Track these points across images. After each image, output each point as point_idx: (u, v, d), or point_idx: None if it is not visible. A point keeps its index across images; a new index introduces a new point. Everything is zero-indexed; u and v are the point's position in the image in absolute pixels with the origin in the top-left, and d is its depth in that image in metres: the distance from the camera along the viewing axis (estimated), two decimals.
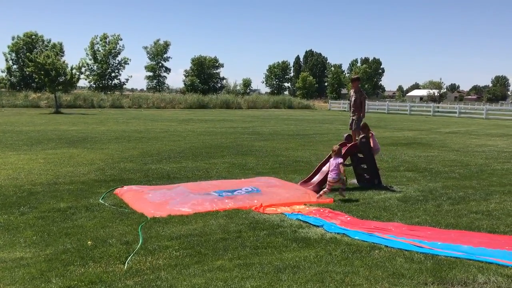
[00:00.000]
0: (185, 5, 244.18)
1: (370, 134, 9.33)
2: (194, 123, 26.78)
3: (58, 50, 58.79)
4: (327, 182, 8.10)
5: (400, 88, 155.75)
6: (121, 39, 63.57)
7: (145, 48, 73.77)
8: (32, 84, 53.17)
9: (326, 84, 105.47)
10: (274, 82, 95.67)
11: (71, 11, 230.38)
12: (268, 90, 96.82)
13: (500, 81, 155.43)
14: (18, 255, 4.92)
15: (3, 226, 5.96)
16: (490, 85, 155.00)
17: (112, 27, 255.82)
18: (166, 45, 73.32)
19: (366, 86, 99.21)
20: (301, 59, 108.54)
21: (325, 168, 9.03)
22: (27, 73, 48.27)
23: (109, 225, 6.08)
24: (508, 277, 4.55)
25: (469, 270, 4.71)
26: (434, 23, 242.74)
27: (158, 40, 73.08)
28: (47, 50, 54.50)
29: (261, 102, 59.68)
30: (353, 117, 9.68)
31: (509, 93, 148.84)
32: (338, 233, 5.89)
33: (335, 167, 8.01)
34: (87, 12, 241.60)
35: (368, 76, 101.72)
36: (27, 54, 45.67)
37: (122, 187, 8.29)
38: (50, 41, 60.55)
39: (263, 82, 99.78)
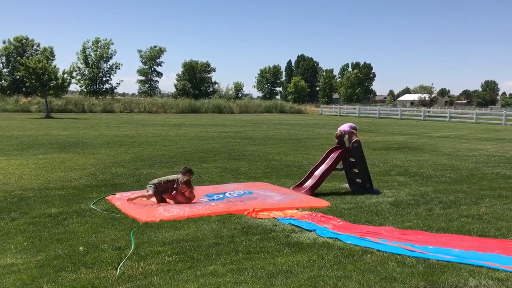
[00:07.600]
0: (177, 9, 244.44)
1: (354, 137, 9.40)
2: (186, 128, 26.73)
3: (49, 54, 58.62)
4: None
5: (391, 92, 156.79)
6: (112, 44, 63.54)
7: (140, 51, 73.66)
8: (23, 89, 52.81)
9: (317, 88, 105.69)
10: (266, 87, 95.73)
11: (62, 16, 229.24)
12: (260, 94, 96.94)
13: (490, 85, 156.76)
14: (9, 261, 4.87)
15: None
16: (480, 89, 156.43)
17: (104, 31, 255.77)
18: (161, 51, 73.33)
19: (357, 90, 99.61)
20: (293, 64, 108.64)
21: (317, 173, 9.06)
22: (18, 77, 47.99)
23: (101, 230, 6.04)
24: (499, 280, 4.59)
25: (461, 274, 4.74)
26: (425, 28, 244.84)
27: (155, 47, 73.14)
28: (37, 54, 54.28)
29: (253, 106, 59.80)
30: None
31: (498, 97, 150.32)
32: (330, 238, 5.90)
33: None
34: (79, 17, 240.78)
35: (359, 81, 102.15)
36: (18, 58, 45.45)
37: (114, 194, 8.15)
38: (39, 44, 60.35)
39: (254, 87, 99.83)
